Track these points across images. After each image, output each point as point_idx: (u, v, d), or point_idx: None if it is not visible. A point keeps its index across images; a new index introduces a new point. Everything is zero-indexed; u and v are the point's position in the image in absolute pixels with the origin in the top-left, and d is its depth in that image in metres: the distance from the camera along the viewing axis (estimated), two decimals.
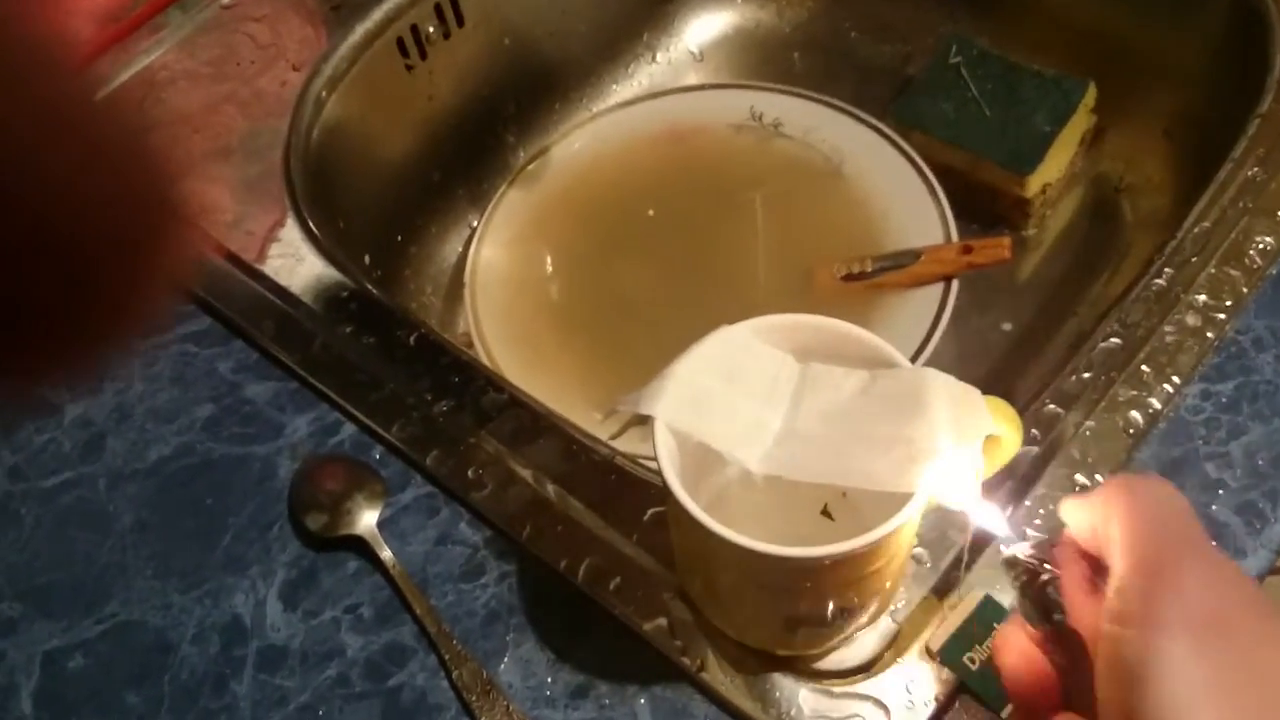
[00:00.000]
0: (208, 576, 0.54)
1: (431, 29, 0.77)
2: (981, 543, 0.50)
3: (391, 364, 0.59)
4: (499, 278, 0.77)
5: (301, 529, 0.55)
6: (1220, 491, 0.51)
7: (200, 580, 0.54)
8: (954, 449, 0.39)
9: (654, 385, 0.43)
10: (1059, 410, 0.53)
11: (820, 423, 0.43)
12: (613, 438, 0.45)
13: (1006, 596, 0.48)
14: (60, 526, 0.56)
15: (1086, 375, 0.54)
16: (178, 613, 0.53)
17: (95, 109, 0.27)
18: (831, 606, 0.44)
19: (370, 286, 0.62)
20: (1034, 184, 0.77)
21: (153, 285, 0.28)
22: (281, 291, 0.62)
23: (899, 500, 0.40)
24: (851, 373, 0.43)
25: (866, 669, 0.47)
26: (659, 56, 0.90)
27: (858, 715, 0.46)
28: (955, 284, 0.72)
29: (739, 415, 0.43)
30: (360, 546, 0.54)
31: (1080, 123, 0.79)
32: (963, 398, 0.41)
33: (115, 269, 0.27)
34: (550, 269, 0.79)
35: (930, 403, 0.41)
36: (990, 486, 0.50)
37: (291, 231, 0.65)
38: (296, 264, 0.63)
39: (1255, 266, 0.57)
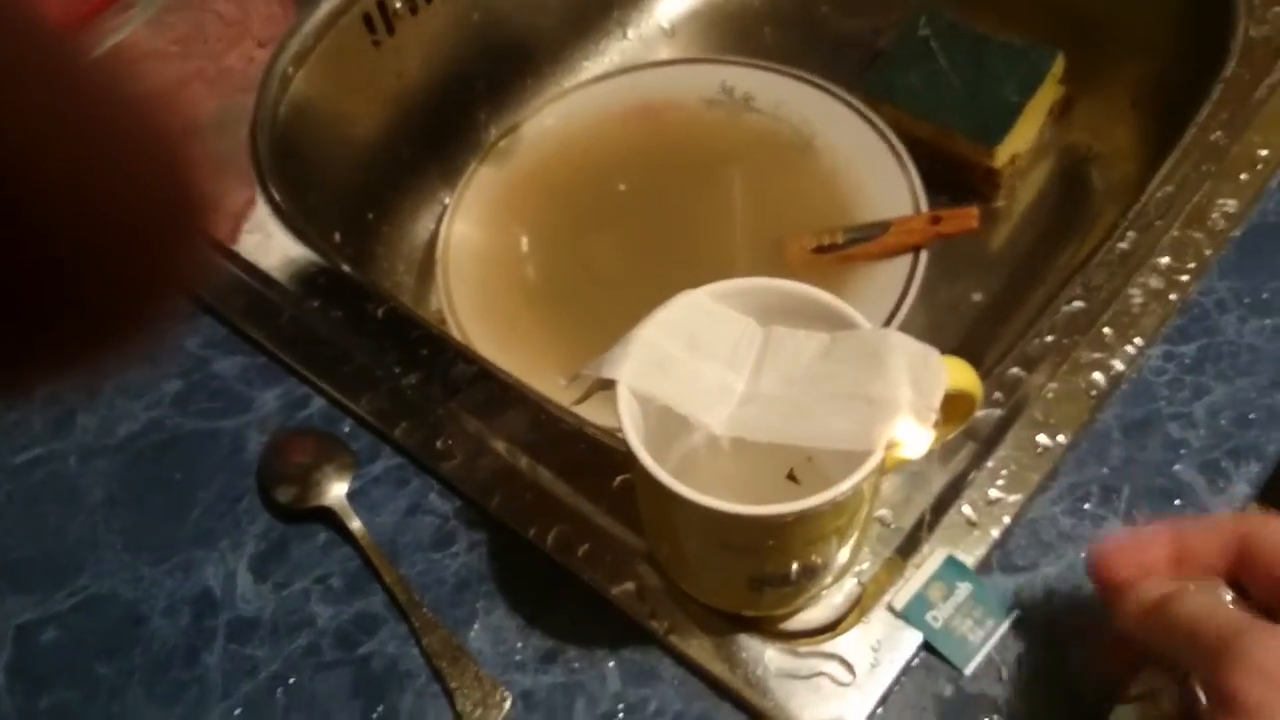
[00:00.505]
0: (178, 549, 0.54)
1: (399, 4, 0.76)
2: (945, 504, 0.50)
3: (360, 337, 0.59)
4: (471, 254, 0.78)
5: (271, 502, 0.55)
6: (1183, 451, 0.52)
7: (171, 553, 0.54)
8: (912, 407, 0.40)
9: (617, 350, 0.43)
10: (1021, 373, 0.54)
11: (783, 384, 0.43)
12: (576, 403, 0.45)
13: (969, 556, 0.49)
14: (31, 502, 0.56)
15: (1050, 339, 0.55)
16: (149, 585, 0.53)
17: (92, 71, 0.26)
18: (795, 566, 0.44)
19: (339, 261, 0.62)
20: (1002, 154, 0.77)
21: (160, 285, 0.28)
22: (249, 267, 0.62)
23: (860, 461, 0.40)
24: (813, 335, 0.44)
25: (832, 628, 0.48)
26: (630, 32, 0.90)
27: (823, 674, 0.46)
28: (924, 254, 0.72)
29: (702, 379, 0.44)
30: (330, 518, 0.54)
31: (1048, 93, 0.79)
32: (921, 357, 0.42)
33: (125, 269, 0.26)
34: (523, 245, 0.79)
35: (889, 362, 0.41)
36: (953, 448, 0.51)
37: (261, 209, 0.65)
38: (265, 239, 0.63)
39: (1218, 229, 0.57)
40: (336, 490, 0.54)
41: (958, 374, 0.43)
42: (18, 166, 0.23)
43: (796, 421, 0.42)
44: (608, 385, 0.44)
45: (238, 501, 0.55)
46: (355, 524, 0.53)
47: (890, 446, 0.40)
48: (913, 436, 0.40)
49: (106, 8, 0.75)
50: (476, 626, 0.50)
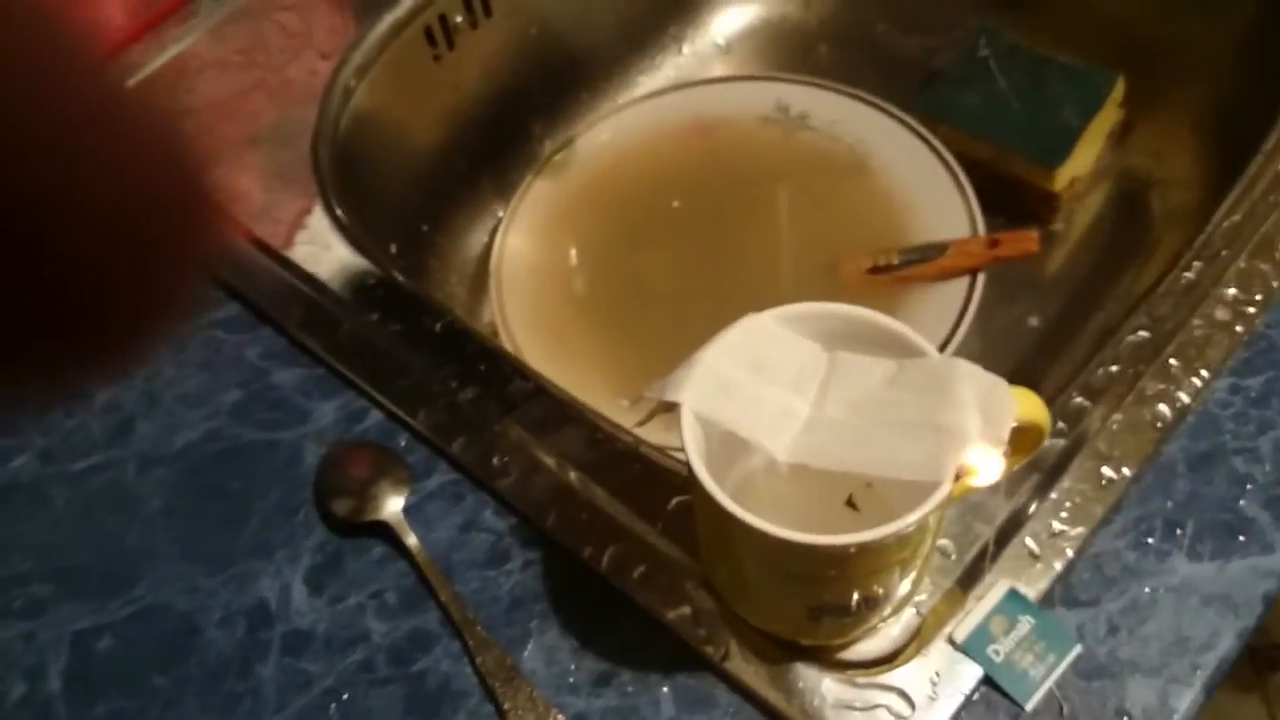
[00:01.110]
0: (234, 561, 0.54)
1: (459, 19, 0.77)
2: (1007, 535, 0.50)
3: (418, 351, 0.59)
4: (525, 267, 0.78)
5: (327, 515, 0.55)
6: (1249, 486, 0.51)
7: (226, 564, 0.54)
8: (982, 437, 0.39)
9: (680, 372, 0.43)
10: (1086, 403, 0.53)
11: (847, 411, 0.43)
12: (638, 425, 0.45)
13: (1031, 589, 0.48)
14: (89, 509, 0.57)
15: (1114, 369, 0.54)
16: (204, 596, 0.53)
17: (125, 96, 0.27)
18: (856, 596, 0.44)
19: (396, 274, 0.63)
20: (1062, 177, 0.77)
21: (182, 272, 0.28)
22: (309, 278, 0.62)
23: (925, 490, 0.40)
24: (879, 361, 0.43)
25: (890, 660, 0.47)
26: (685, 48, 0.90)
27: (882, 706, 0.46)
28: (981, 277, 0.72)
29: (766, 403, 0.43)
30: (386, 533, 0.54)
31: (1109, 116, 0.78)
32: (990, 388, 0.41)
33: (145, 256, 0.27)
34: (576, 259, 0.79)
35: (958, 391, 0.41)
36: (1016, 479, 0.50)
37: (319, 219, 0.65)
38: (323, 251, 0.64)
39: None
40: (393, 505, 0.54)
41: (1026, 405, 0.42)
42: (35, 184, 0.24)
43: (862, 449, 0.42)
44: (670, 408, 0.43)
45: (294, 514, 0.55)
46: (411, 539, 0.53)
47: (959, 477, 0.39)
48: (984, 465, 0.39)
49: (168, 16, 0.76)
50: (530, 646, 0.50)
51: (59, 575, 0.55)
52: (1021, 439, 0.44)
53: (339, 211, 0.65)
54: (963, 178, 0.76)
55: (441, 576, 0.52)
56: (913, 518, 0.39)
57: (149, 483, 0.57)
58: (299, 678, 0.50)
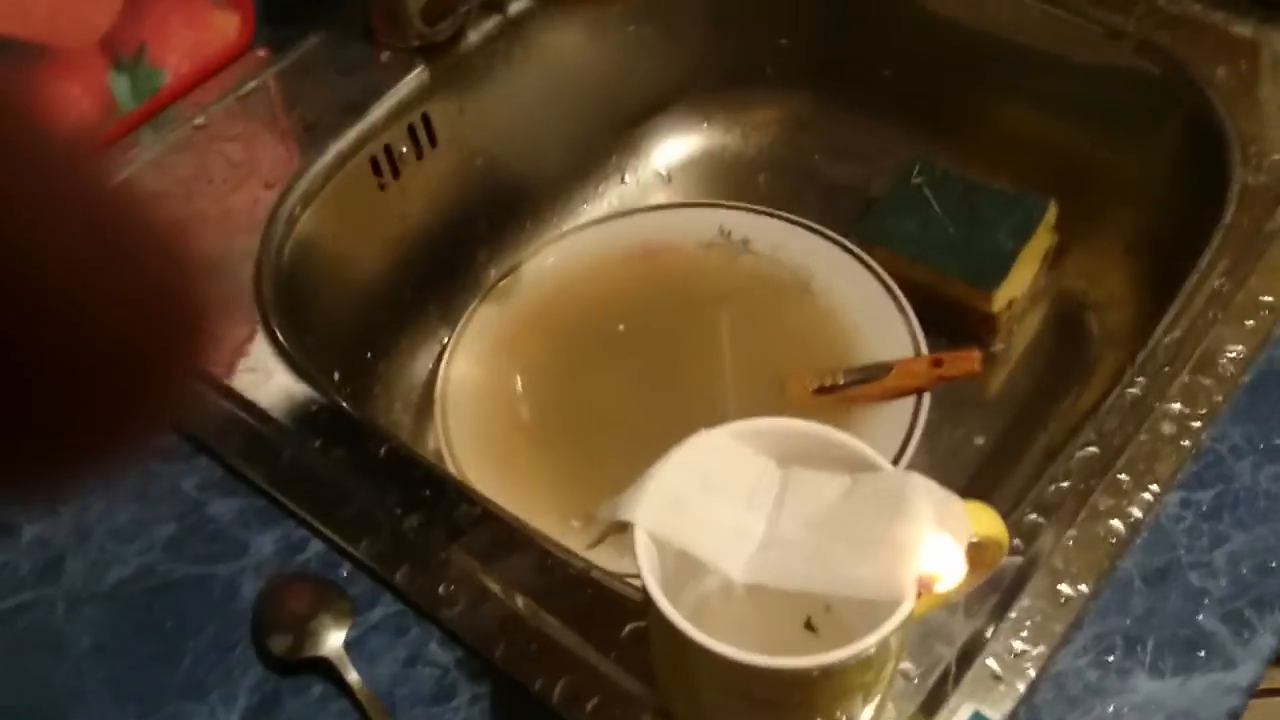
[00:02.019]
0: (166, 701, 0.52)
1: (404, 149, 0.77)
2: (969, 656, 0.49)
3: (361, 478, 0.58)
4: (470, 393, 0.77)
5: (265, 652, 0.53)
6: (1206, 600, 0.51)
7: (159, 705, 0.51)
8: (939, 552, 0.39)
9: (632, 491, 0.42)
10: (1039, 519, 0.53)
11: (804, 528, 0.42)
12: (590, 546, 0.44)
13: (995, 712, 0.47)
14: (15, 651, 0.54)
15: (1065, 484, 0.54)
16: None
17: (109, 192, 0.26)
18: None
19: (340, 400, 0.61)
20: (999, 299, 0.78)
21: (167, 380, 0.27)
22: (249, 406, 0.61)
23: (884, 610, 0.39)
24: (834, 477, 0.43)
25: None
26: (628, 177, 0.92)
27: None
28: (927, 397, 0.72)
29: (720, 521, 0.43)
30: (326, 669, 0.52)
31: (1043, 239, 0.80)
32: (944, 501, 0.41)
33: (132, 362, 0.26)
34: (521, 384, 0.78)
35: (914, 505, 0.40)
36: (975, 597, 0.50)
37: (260, 347, 0.64)
38: (265, 379, 0.62)
39: (1228, 375, 0.57)
40: (333, 640, 0.52)
41: (983, 519, 0.42)
42: (29, 280, 0.23)
43: (820, 567, 0.41)
44: (623, 528, 0.42)
45: (230, 651, 0.53)
46: (352, 675, 0.51)
47: (922, 588, 0.39)
48: (947, 567, 0.39)
49: (108, 146, 0.75)
50: None
51: None
52: (980, 555, 0.44)
53: (281, 339, 0.64)
54: (903, 299, 0.77)
55: (385, 715, 0.50)
56: (876, 636, 0.38)
57: (79, 621, 0.55)
58: None
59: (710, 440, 0.44)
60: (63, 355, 0.24)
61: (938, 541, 0.39)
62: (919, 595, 0.39)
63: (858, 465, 0.43)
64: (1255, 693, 0.49)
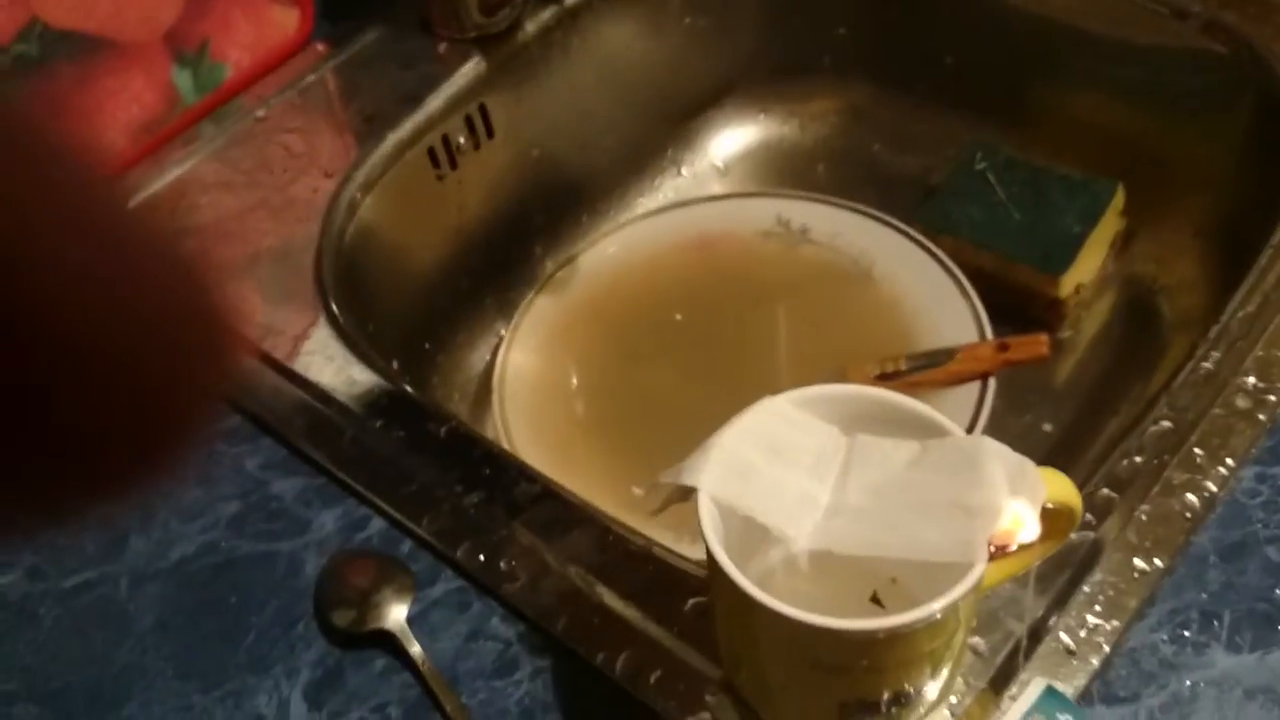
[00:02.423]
0: (229, 677, 0.52)
1: (462, 140, 0.77)
2: (1040, 631, 0.48)
3: (422, 457, 0.58)
4: (527, 384, 0.77)
5: (328, 626, 0.53)
6: None
7: (221, 680, 0.52)
8: (1014, 511, 0.38)
9: (696, 457, 0.42)
10: (1112, 494, 0.51)
11: (871, 495, 0.41)
12: (653, 513, 0.43)
13: (1068, 686, 0.46)
14: (79, 627, 0.54)
15: (1138, 459, 0.53)
16: (199, 714, 0.51)
17: (128, 216, 0.26)
18: (886, 693, 0.42)
19: (401, 382, 0.62)
20: (1067, 284, 0.76)
21: (194, 401, 0.27)
22: (312, 388, 0.61)
23: (953, 577, 0.38)
24: (901, 443, 0.42)
25: None
26: (684, 170, 0.91)
27: None
28: (993, 382, 0.71)
29: (785, 489, 0.42)
30: (389, 643, 0.51)
31: (1110, 224, 0.79)
32: (1018, 466, 0.40)
33: (156, 381, 0.26)
34: (578, 375, 0.78)
35: (986, 470, 0.39)
36: (1047, 573, 0.48)
37: (322, 332, 0.65)
38: (327, 363, 0.63)
39: None
40: (395, 614, 0.52)
41: (1057, 485, 0.41)
42: (45, 306, 0.23)
43: (887, 533, 0.40)
44: (686, 495, 0.42)
45: (293, 626, 0.53)
46: (415, 649, 0.51)
47: (997, 548, 0.38)
48: (1024, 521, 0.38)
49: (170, 140, 0.76)
50: None
51: (46, 697, 0.52)
52: (1053, 523, 0.42)
53: (343, 322, 0.64)
54: (967, 284, 0.76)
55: (447, 688, 0.50)
56: (947, 598, 0.37)
57: (142, 598, 0.55)
58: None
59: (774, 407, 0.44)
60: (84, 382, 0.24)
61: (1013, 503, 0.38)
62: (992, 558, 0.38)
63: (926, 431, 0.42)
64: None
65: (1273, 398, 0.54)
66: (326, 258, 0.67)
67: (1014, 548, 0.38)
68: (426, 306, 0.78)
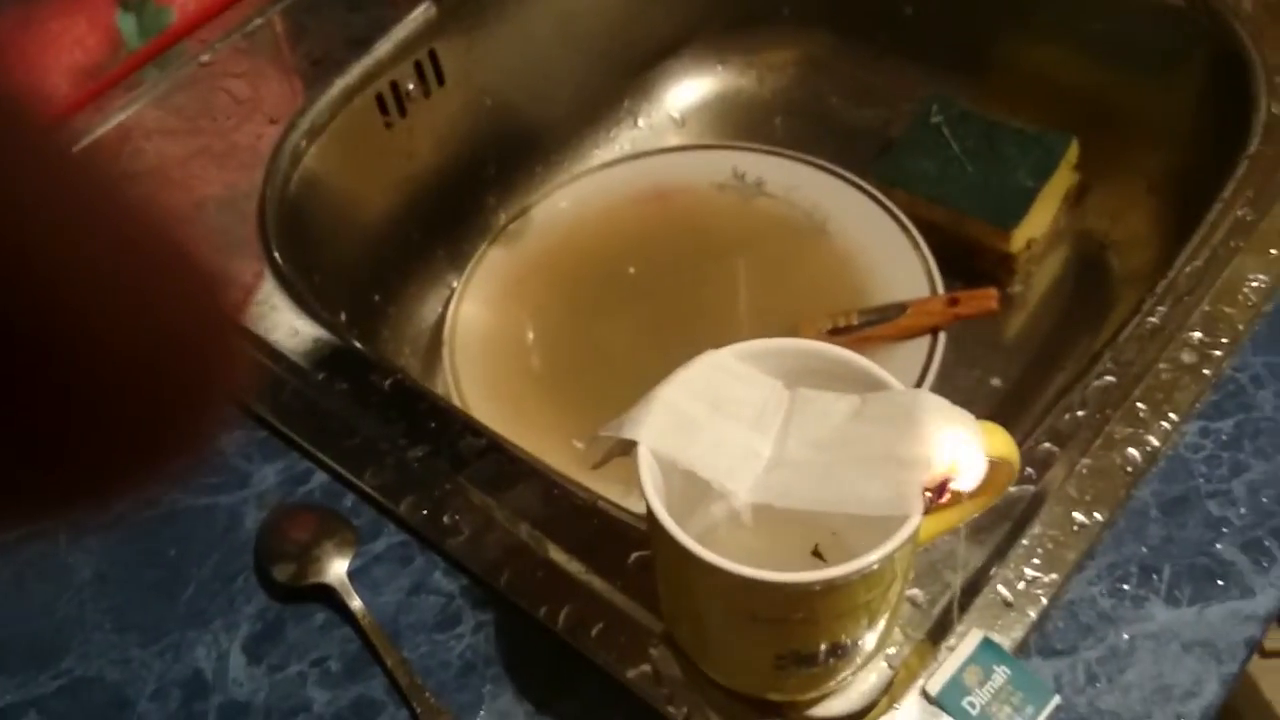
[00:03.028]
0: (168, 630, 0.51)
1: (411, 87, 0.76)
2: (978, 584, 0.48)
3: (365, 410, 0.57)
4: (479, 336, 0.76)
5: (268, 580, 0.52)
6: (1224, 530, 0.49)
7: (160, 634, 0.51)
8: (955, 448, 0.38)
9: (637, 410, 0.42)
10: (1053, 448, 0.52)
11: (811, 448, 0.41)
12: (594, 467, 0.43)
13: (1005, 638, 0.46)
14: (18, 581, 0.54)
15: (1081, 413, 0.53)
16: (137, 667, 0.50)
17: (72, 164, 0.25)
18: (824, 646, 0.42)
19: (346, 335, 0.61)
20: (1018, 239, 0.76)
21: (199, 404, 0.26)
22: (253, 339, 0.60)
23: (892, 532, 0.38)
24: (842, 397, 0.42)
25: (862, 715, 0.45)
26: (640, 121, 0.90)
27: None
28: (943, 336, 0.71)
29: (726, 442, 0.42)
30: (329, 597, 0.51)
31: (1063, 179, 0.79)
32: (957, 418, 0.40)
33: (162, 384, 0.25)
34: (531, 328, 0.78)
35: (923, 424, 0.39)
36: (985, 525, 0.49)
37: (267, 283, 0.63)
38: (269, 313, 0.62)
39: (1250, 304, 0.56)
40: (336, 568, 0.52)
41: (995, 439, 0.41)
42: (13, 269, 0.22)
43: (827, 487, 0.40)
44: (628, 449, 0.42)
45: (233, 580, 0.52)
46: (356, 603, 0.50)
47: (934, 500, 0.38)
48: (966, 463, 0.38)
49: (113, 85, 0.74)
50: (483, 712, 0.47)
51: None
52: (991, 476, 0.43)
53: (287, 272, 0.63)
54: (920, 239, 0.76)
55: (388, 641, 0.49)
56: (883, 550, 0.37)
57: (81, 551, 0.54)
58: None
59: (717, 360, 0.43)
60: (89, 380, 0.23)
61: (953, 438, 0.38)
62: (932, 506, 0.38)
63: (867, 385, 0.42)
64: (1274, 652, 0.48)
65: (1218, 353, 0.54)
66: (270, 206, 0.66)
67: (947, 496, 0.38)
68: (376, 258, 0.77)
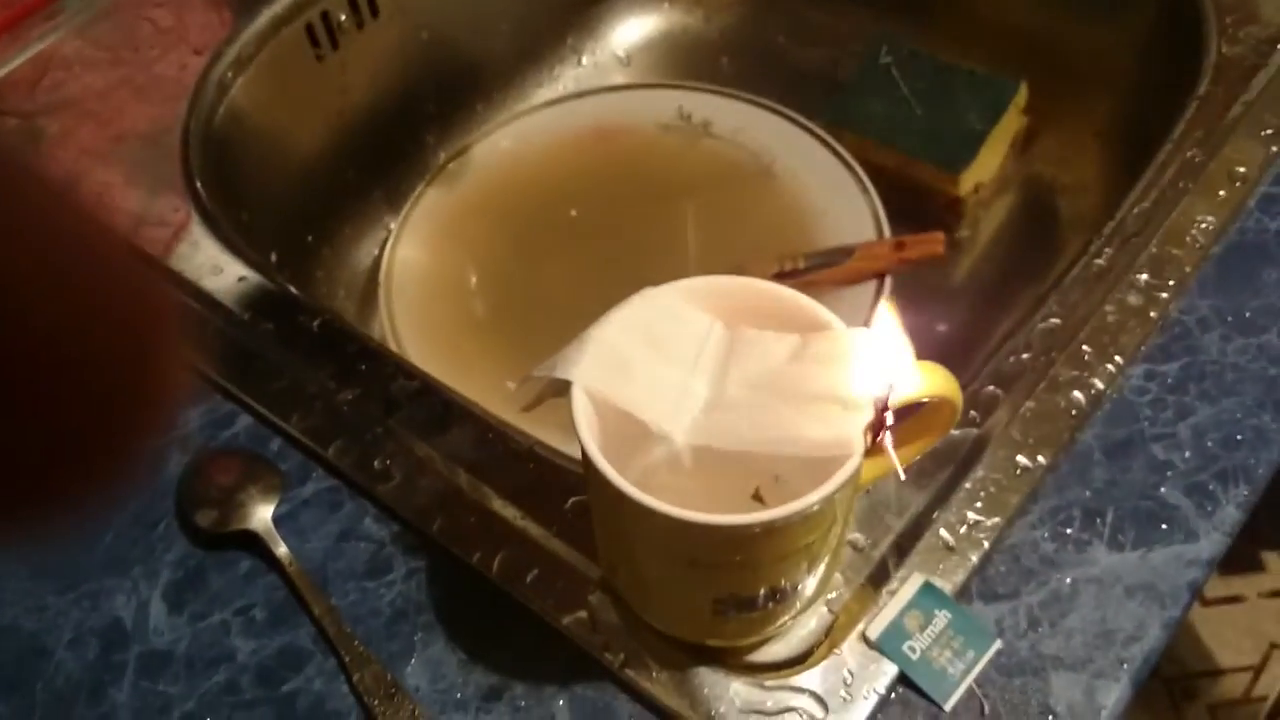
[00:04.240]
0: (86, 577, 0.49)
1: (343, 17, 0.73)
2: (920, 528, 0.47)
3: (293, 352, 0.55)
4: (416, 278, 0.74)
5: (190, 526, 0.50)
6: (1169, 473, 0.49)
7: (78, 581, 0.49)
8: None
9: (571, 349, 0.40)
10: (997, 391, 0.51)
11: (750, 389, 0.40)
12: (526, 409, 0.42)
13: (947, 583, 0.46)
14: None
15: (1025, 356, 0.52)
16: (53, 616, 0.48)
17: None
18: (763, 590, 0.41)
19: (272, 274, 0.58)
20: (966, 182, 0.75)
21: (133, 437, 0.25)
22: (173, 277, 0.58)
23: (833, 473, 0.37)
24: (782, 337, 0.40)
25: (801, 660, 0.44)
26: (584, 59, 0.88)
27: (793, 709, 0.42)
28: (889, 281, 0.70)
29: (664, 382, 0.40)
30: (254, 544, 0.49)
31: (1012, 122, 0.78)
32: (895, 356, 0.38)
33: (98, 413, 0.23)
34: (470, 270, 0.76)
35: (864, 360, 0.38)
36: (927, 469, 0.48)
37: (190, 218, 0.61)
38: (191, 250, 0.59)
39: (1198, 246, 0.55)
40: (261, 514, 0.50)
41: (937, 378, 0.40)
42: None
43: (766, 428, 0.39)
44: (562, 390, 0.40)
45: (153, 527, 0.51)
46: (281, 550, 0.49)
47: (872, 447, 0.37)
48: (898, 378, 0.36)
49: (30, 15, 0.71)
50: (414, 661, 0.46)
51: None
52: (933, 417, 0.42)
53: (210, 208, 0.60)
54: (868, 183, 0.74)
55: (315, 589, 0.48)
56: (822, 491, 0.36)
57: None
58: (157, 701, 0.46)
59: (655, 298, 0.42)
60: (32, 395, 0.21)
61: (884, 349, 0.37)
62: (872, 446, 0.37)
63: (808, 324, 0.41)
64: (1214, 600, 0.48)
65: (1165, 295, 0.54)
66: (194, 140, 0.64)
67: (885, 434, 0.37)
68: (309, 197, 0.74)
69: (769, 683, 0.43)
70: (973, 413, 0.50)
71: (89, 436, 0.23)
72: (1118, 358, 0.52)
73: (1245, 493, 0.48)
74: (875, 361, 0.38)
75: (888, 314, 0.38)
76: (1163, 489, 0.49)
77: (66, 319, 0.22)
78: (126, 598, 0.48)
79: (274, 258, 0.69)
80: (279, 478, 0.51)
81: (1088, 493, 0.48)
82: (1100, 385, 0.51)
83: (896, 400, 0.36)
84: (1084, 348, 0.52)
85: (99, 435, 0.24)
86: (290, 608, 0.48)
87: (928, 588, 0.45)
